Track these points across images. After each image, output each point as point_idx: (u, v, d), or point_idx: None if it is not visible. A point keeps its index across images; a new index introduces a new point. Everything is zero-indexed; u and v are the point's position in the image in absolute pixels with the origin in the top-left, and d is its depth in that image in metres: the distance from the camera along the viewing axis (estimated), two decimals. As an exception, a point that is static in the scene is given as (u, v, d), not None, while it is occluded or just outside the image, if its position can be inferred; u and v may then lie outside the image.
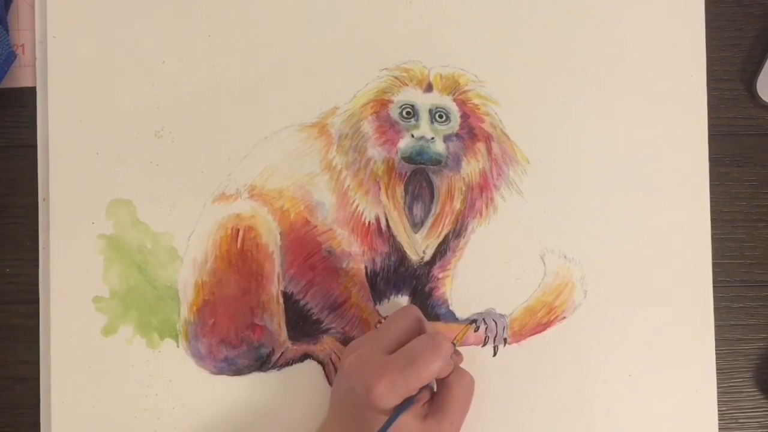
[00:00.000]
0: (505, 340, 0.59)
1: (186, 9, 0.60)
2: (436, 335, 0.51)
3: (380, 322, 0.59)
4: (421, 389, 0.51)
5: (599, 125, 0.60)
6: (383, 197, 0.59)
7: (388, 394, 0.49)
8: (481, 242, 0.60)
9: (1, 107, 0.61)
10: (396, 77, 0.60)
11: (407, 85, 0.60)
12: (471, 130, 0.60)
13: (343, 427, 0.52)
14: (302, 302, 0.59)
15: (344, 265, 0.59)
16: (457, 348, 0.55)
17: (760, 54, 0.62)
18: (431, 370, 0.49)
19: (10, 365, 0.60)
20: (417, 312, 0.54)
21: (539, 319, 0.59)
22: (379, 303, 0.60)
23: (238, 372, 0.59)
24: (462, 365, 0.55)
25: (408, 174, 0.59)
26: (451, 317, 0.59)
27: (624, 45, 0.60)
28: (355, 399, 0.50)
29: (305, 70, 0.60)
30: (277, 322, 0.59)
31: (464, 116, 0.60)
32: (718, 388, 0.59)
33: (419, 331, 0.53)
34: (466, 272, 0.59)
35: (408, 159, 0.59)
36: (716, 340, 0.60)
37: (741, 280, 0.61)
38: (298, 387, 0.59)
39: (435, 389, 0.54)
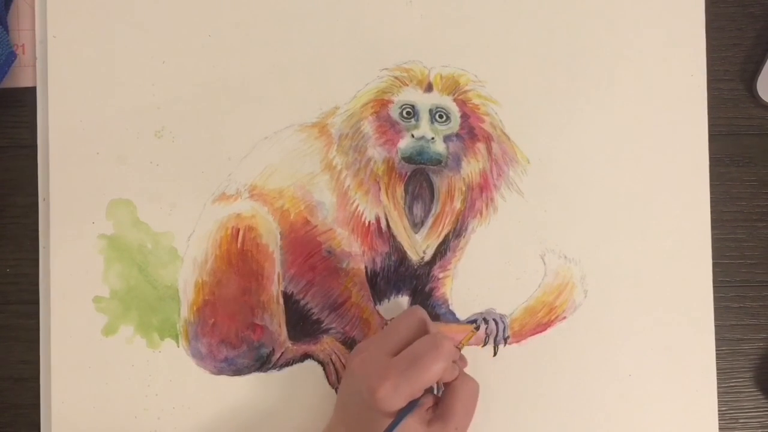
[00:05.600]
0: (505, 340, 0.59)
1: (186, 9, 0.60)
2: (437, 335, 0.51)
3: (386, 324, 0.59)
4: (425, 393, 0.51)
5: (599, 125, 0.60)
6: (383, 197, 0.59)
7: (392, 397, 0.49)
8: (481, 242, 0.60)
9: (1, 107, 0.61)
10: (396, 77, 0.60)
11: (407, 85, 0.60)
12: (471, 130, 0.60)
13: (349, 428, 0.52)
14: (302, 302, 0.59)
15: (344, 265, 0.59)
16: (461, 351, 0.55)
17: (760, 54, 0.62)
18: (433, 370, 0.49)
19: (10, 365, 0.60)
20: (422, 313, 0.54)
21: (539, 319, 0.59)
22: (380, 303, 0.60)
23: (239, 372, 0.59)
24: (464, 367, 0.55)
25: (408, 174, 0.59)
26: (452, 317, 0.59)
27: (624, 45, 0.60)
28: (361, 401, 0.50)
29: (305, 70, 0.60)
30: (277, 322, 0.59)
31: (464, 116, 0.60)
32: (718, 388, 0.59)
33: (424, 332, 0.53)
34: (467, 272, 0.59)
35: (408, 159, 0.59)
36: (716, 340, 0.60)
37: (741, 280, 0.61)
38: (298, 387, 0.59)
39: (439, 394, 0.54)
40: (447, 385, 0.53)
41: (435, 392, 0.54)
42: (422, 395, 0.51)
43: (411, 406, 0.50)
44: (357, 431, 0.51)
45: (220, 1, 0.60)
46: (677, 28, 0.61)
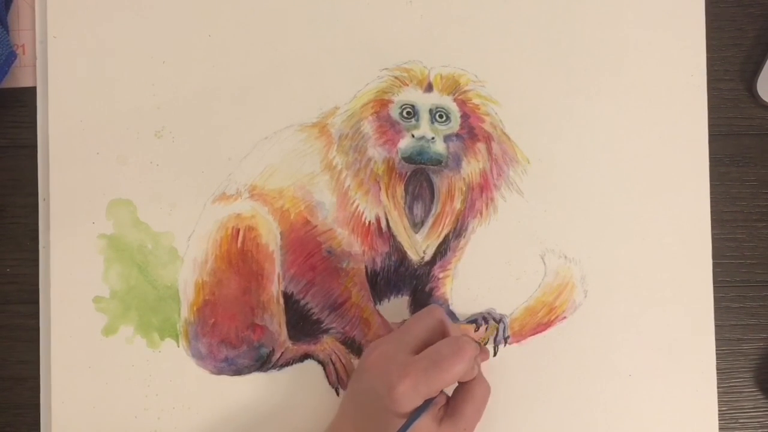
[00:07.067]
0: (505, 340, 0.59)
1: (186, 9, 0.60)
2: (461, 338, 0.51)
3: (402, 322, 0.58)
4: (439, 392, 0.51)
5: (599, 125, 0.60)
6: (383, 197, 0.59)
7: (410, 395, 0.49)
8: (481, 242, 0.60)
9: (1, 107, 0.61)
10: (396, 77, 0.60)
11: (407, 85, 0.60)
12: (471, 130, 0.60)
13: (357, 425, 0.51)
14: (302, 302, 0.59)
15: (344, 265, 0.59)
16: (483, 346, 0.55)
17: (760, 54, 0.62)
18: (454, 372, 0.49)
19: (10, 365, 0.60)
20: (441, 312, 0.54)
21: (539, 319, 0.59)
22: (380, 303, 0.60)
23: (239, 372, 0.59)
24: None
25: (408, 174, 0.59)
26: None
27: (624, 45, 0.60)
28: (374, 397, 0.50)
29: (305, 70, 0.60)
30: (277, 322, 0.59)
31: (464, 116, 0.60)
32: (718, 388, 0.59)
33: (442, 331, 0.52)
34: (467, 272, 0.59)
35: (408, 159, 0.59)
36: (716, 340, 0.60)
37: (741, 280, 0.61)
38: (298, 387, 0.59)
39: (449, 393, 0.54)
40: (461, 384, 0.53)
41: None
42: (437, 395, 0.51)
43: (426, 405, 0.49)
44: (366, 429, 0.51)
45: (220, 1, 0.60)
46: (677, 28, 0.61)
